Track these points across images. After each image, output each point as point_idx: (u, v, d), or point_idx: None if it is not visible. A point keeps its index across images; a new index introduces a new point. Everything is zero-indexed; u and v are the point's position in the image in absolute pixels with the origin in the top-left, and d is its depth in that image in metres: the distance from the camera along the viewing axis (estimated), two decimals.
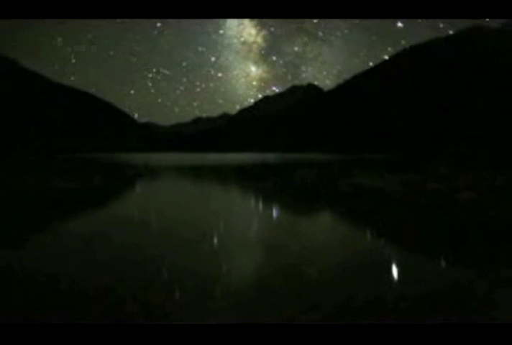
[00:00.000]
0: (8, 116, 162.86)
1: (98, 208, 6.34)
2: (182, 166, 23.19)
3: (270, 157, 53.94)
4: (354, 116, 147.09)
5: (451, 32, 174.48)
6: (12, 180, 11.67)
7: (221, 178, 14.03)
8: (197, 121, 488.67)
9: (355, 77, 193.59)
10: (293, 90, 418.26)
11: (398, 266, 3.02)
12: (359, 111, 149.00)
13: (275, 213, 6.06)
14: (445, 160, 32.76)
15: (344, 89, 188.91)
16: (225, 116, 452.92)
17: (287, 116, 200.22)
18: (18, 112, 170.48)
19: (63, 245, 3.60)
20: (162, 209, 5.96)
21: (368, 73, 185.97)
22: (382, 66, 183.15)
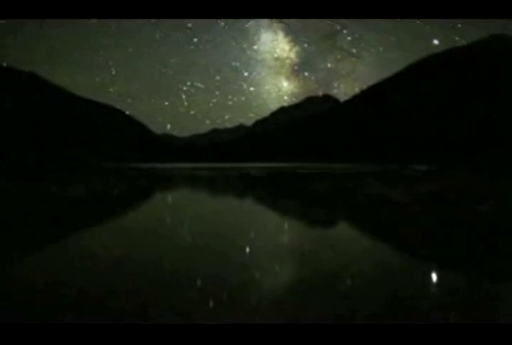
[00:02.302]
0: (33, 126, 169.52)
1: (118, 218, 6.39)
2: (202, 176, 23.39)
3: (285, 166, 53.75)
4: (370, 127, 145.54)
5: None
6: (37, 188, 12.05)
7: (238, 189, 14.04)
8: (214, 131, 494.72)
9: (372, 88, 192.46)
10: (309, 101, 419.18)
11: (417, 276, 2.90)
12: (375, 121, 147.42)
13: (293, 222, 6.00)
14: (465, 170, 31.81)
15: (360, 99, 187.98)
16: (241, 127, 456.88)
17: (302, 127, 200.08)
18: (42, 122, 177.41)
19: (85, 254, 3.56)
20: (184, 220, 5.95)
21: (386, 83, 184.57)
22: (400, 76, 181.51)
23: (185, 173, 28.41)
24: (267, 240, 4.44)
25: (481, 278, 3.01)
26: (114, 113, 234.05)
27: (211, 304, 2.35)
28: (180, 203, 8.93)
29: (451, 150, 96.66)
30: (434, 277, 2.99)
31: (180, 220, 6.02)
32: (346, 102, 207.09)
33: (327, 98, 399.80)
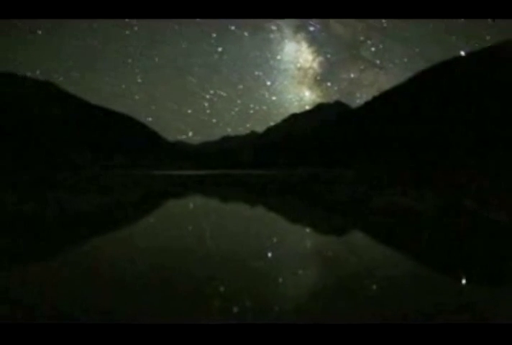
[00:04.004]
0: (46, 133, 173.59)
1: (131, 226, 6.41)
2: (214, 183, 23.51)
3: (298, 173, 53.55)
4: (385, 133, 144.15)
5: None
6: (49, 196, 12.30)
7: (251, 195, 14.05)
8: (225, 138, 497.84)
9: (386, 94, 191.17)
10: (321, 108, 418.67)
11: (433, 286, 2.85)
12: (389, 128, 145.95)
13: (308, 229, 5.98)
14: (482, 178, 31.11)
15: (372, 106, 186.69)
16: (253, 134, 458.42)
17: (315, 133, 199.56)
18: (54, 129, 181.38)
19: (101, 264, 3.57)
20: (202, 229, 5.91)
21: (399, 89, 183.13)
22: (411, 82, 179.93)
23: (231, 179, 28.52)
24: (292, 247, 4.44)
25: (492, 285, 2.95)
26: (131, 121, 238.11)
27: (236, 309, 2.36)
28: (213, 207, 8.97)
29: (468, 157, 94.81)
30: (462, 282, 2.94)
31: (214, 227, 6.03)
32: (358, 108, 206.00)
33: (339, 105, 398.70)
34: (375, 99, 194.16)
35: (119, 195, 13.33)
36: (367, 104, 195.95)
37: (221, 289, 2.78)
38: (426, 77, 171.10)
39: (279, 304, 2.51)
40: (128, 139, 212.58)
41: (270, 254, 3.93)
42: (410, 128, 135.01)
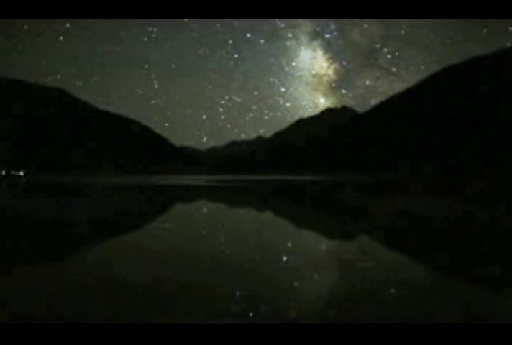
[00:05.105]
0: (57, 138, 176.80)
1: (140, 231, 6.21)
2: (221, 188, 23.46)
3: (306, 179, 53.54)
4: (392, 138, 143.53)
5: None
6: (58, 201, 12.26)
7: (259, 201, 13.81)
8: (233, 143, 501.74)
9: (393, 97, 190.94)
10: (327, 113, 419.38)
11: (446, 292, 2.66)
12: (396, 132, 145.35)
13: (321, 234, 5.72)
14: (495, 184, 30.54)
15: (378, 111, 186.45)
16: (260, 139, 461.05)
17: (322, 138, 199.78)
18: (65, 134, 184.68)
19: (112, 271, 3.35)
20: (214, 234, 5.66)
21: (406, 94, 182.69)
22: (419, 87, 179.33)
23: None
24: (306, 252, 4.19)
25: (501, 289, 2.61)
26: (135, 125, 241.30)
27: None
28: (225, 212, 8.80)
29: (479, 163, 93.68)
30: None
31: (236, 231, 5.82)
32: (366, 113, 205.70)
33: (345, 110, 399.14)
34: (382, 104, 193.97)
35: (130, 200, 13.21)
36: (374, 109, 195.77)
37: (236, 292, 2.62)
38: (435, 82, 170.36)
39: (292, 305, 2.44)
40: (140, 145, 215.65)
41: (284, 258, 3.71)
42: (424, 133, 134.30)
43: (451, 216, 7.61)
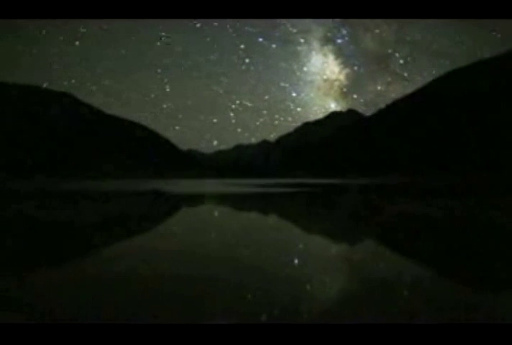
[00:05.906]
0: (65, 144, 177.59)
1: (147, 235, 6.34)
2: (227, 192, 23.60)
3: (310, 182, 53.26)
4: (395, 141, 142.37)
5: None
6: (65, 205, 12.52)
7: (264, 204, 14.01)
8: (239, 147, 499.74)
9: (399, 101, 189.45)
10: (333, 117, 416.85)
11: (446, 295, 2.79)
12: (399, 135, 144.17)
13: (326, 238, 5.94)
14: (495, 186, 30.27)
15: (383, 114, 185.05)
16: (264, 143, 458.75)
17: (327, 142, 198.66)
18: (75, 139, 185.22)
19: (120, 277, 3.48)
20: (224, 237, 5.78)
21: (410, 98, 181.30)
22: (423, 90, 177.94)
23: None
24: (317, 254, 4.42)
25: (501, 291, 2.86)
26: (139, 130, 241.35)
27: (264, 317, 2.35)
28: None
29: (480, 165, 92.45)
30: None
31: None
32: (371, 116, 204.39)
33: (351, 113, 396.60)
34: (388, 107, 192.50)
35: (139, 203, 13.46)
36: (379, 112, 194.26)
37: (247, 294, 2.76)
38: (441, 85, 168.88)
39: (302, 306, 2.52)
40: (150, 150, 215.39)
41: (296, 261, 3.91)
42: (425, 135, 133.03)
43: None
